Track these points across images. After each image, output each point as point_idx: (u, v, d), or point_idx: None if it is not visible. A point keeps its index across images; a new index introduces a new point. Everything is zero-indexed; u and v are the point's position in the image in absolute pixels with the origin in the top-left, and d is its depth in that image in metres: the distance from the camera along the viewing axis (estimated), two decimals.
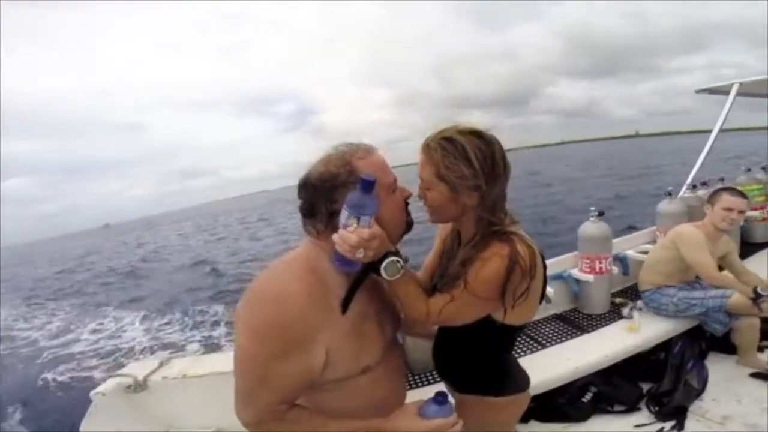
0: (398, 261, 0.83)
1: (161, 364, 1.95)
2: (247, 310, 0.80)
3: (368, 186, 0.72)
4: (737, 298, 1.86)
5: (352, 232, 0.72)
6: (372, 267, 0.82)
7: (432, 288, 1.01)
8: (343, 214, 0.74)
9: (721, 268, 2.07)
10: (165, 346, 6.96)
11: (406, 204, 0.91)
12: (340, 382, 0.85)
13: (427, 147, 0.87)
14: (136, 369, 1.92)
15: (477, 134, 0.85)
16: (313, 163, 0.84)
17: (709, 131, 3.06)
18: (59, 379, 6.30)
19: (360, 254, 0.73)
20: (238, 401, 0.82)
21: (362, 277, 0.84)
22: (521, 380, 1.09)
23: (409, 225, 0.92)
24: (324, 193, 0.79)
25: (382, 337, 0.93)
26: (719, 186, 2.34)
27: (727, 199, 1.95)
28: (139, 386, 1.81)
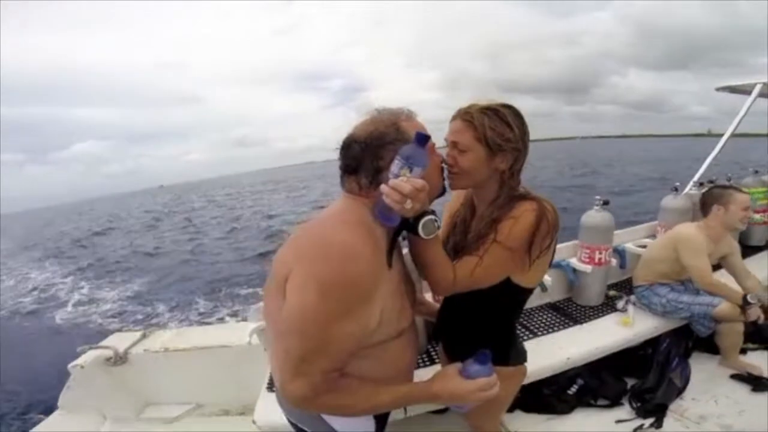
0: (435, 220, 0.86)
1: (143, 336, 1.89)
2: (310, 264, 0.74)
3: (423, 139, 0.76)
4: (724, 308, 1.85)
5: (406, 181, 0.74)
6: (407, 225, 0.85)
7: None
8: (396, 165, 0.76)
9: (718, 267, 2.05)
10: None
11: (441, 169, 0.94)
12: (376, 347, 0.84)
13: (467, 114, 0.94)
14: (118, 341, 1.86)
15: (511, 108, 0.95)
16: (358, 124, 0.86)
17: None
18: (38, 346, 6.23)
19: (408, 205, 0.74)
20: (288, 372, 0.76)
21: (399, 232, 0.87)
22: (522, 352, 1.16)
23: (443, 189, 0.95)
24: (372, 150, 0.81)
25: (411, 302, 0.96)
26: (721, 184, 2.29)
27: (743, 198, 1.91)
28: (119, 359, 1.75)
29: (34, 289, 10.74)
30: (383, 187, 0.75)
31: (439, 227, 0.87)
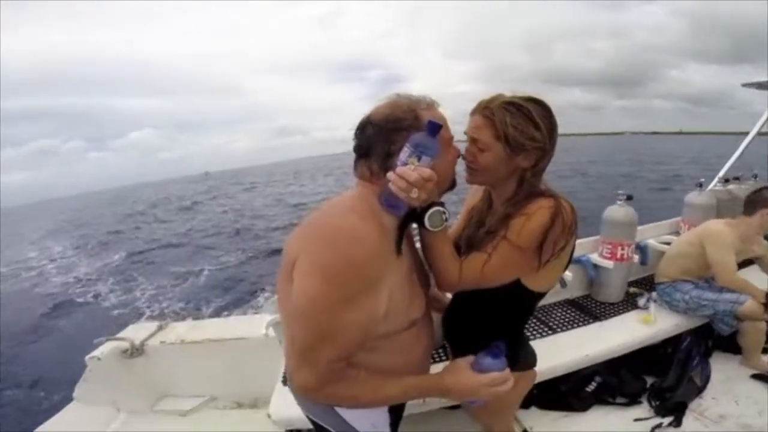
0: (444, 212, 0.87)
1: (159, 328, 1.93)
2: (316, 249, 0.75)
3: (435, 128, 0.76)
4: (749, 305, 1.88)
5: (413, 170, 0.74)
6: (414, 215, 0.86)
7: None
8: (404, 152, 0.76)
9: (744, 265, 2.06)
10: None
11: (454, 162, 0.93)
12: (386, 338, 0.84)
13: (487, 109, 0.90)
14: (134, 333, 1.90)
15: (538, 102, 0.90)
16: (376, 106, 0.85)
17: None
18: (58, 335, 6.36)
19: (414, 194, 0.74)
20: (295, 361, 0.77)
21: (406, 222, 0.87)
22: (531, 357, 1.15)
23: (453, 182, 0.94)
24: (386, 134, 0.81)
25: (423, 291, 0.96)
26: (752, 182, 2.30)
27: None
28: (135, 351, 1.80)
29: (66, 275, 11.12)
30: (390, 174, 0.75)
31: (446, 220, 0.88)
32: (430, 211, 0.85)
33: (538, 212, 0.86)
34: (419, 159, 0.75)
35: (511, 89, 0.92)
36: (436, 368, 1.01)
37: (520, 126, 0.87)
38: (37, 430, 1.76)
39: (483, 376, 0.84)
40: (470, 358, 0.88)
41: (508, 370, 0.86)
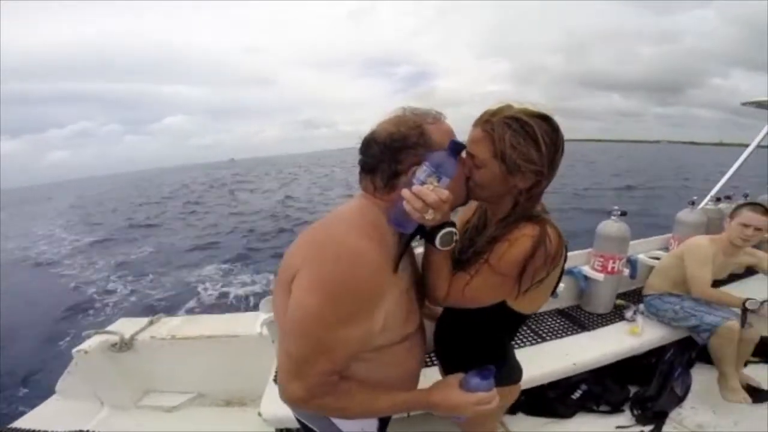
0: (455, 233, 0.87)
1: (151, 323, 1.95)
2: (318, 265, 0.77)
3: (458, 149, 0.77)
4: (731, 325, 1.97)
5: (432, 190, 0.74)
6: (423, 232, 0.87)
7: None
8: (423, 171, 0.76)
9: (731, 280, 2.18)
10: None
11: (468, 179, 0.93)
12: (378, 350, 0.87)
13: (487, 123, 0.87)
14: (124, 327, 1.92)
15: (545, 118, 0.86)
16: (381, 121, 0.86)
17: None
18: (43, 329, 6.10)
19: (429, 215, 0.75)
20: (288, 372, 0.80)
21: (411, 238, 0.87)
22: (516, 372, 1.17)
23: (467, 199, 0.95)
24: (391, 154, 0.82)
25: (418, 306, 0.99)
26: (742, 201, 2.43)
27: (745, 215, 2.04)
28: (124, 345, 1.82)
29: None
30: (405, 192, 0.75)
31: (456, 240, 0.88)
32: (443, 231, 0.84)
33: (521, 239, 0.86)
34: (439, 179, 0.75)
35: (519, 102, 0.89)
36: (426, 373, 1.08)
37: (520, 145, 0.84)
38: (13, 424, 1.76)
39: (470, 395, 0.87)
40: (459, 376, 0.92)
41: (494, 391, 0.89)
